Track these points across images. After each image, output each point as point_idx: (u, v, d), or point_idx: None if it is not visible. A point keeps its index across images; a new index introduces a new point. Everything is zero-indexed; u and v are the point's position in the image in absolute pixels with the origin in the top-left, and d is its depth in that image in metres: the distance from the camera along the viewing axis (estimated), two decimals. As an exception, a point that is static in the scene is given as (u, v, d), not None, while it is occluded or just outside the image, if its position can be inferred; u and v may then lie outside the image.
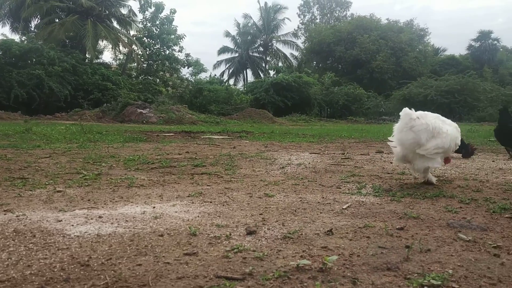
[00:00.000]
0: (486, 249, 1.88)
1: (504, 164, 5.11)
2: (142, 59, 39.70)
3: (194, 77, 44.61)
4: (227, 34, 51.52)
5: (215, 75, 49.65)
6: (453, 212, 2.52)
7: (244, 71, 52.78)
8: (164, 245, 1.89)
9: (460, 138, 3.60)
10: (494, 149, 7.67)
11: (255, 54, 52.56)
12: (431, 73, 40.55)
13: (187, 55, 42.60)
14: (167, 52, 40.31)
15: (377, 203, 2.78)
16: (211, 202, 2.80)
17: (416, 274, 1.59)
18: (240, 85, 50.49)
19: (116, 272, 1.58)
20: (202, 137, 11.78)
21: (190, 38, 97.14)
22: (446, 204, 2.74)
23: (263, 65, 51.86)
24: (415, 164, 3.37)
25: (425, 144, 3.28)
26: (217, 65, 52.26)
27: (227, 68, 52.52)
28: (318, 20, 55.98)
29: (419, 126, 3.28)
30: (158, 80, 40.61)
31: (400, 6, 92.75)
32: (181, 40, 40.72)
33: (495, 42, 46.26)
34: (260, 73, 50.62)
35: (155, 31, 37.89)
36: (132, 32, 36.81)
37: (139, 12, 36.72)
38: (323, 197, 2.97)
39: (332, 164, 4.87)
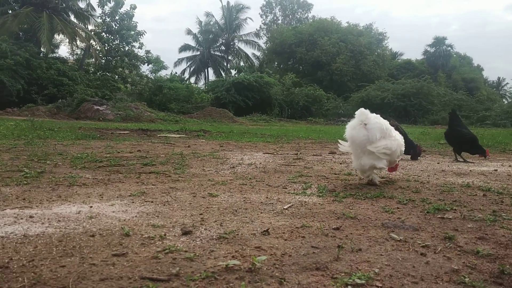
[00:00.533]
0: (414, 249, 1.94)
1: (448, 166, 5.30)
2: (101, 55, 38.77)
3: (154, 75, 43.97)
4: (189, 32, 51.12)
5: (176, 73, 49.10)
6: (390, 212, 2.58)
7: (206, 70, 52.49)
8: (94, 246, 1.84)
9: (403, 148, 3.72)
10: (442, 151, 7.95)
11: (217, 53, 52.38)
12: (388, 76, 41.67)
13: (147, 52, 41.95)
14: (127, 48, 39.53)
15: (319, 204, 2.81)
16: (152, 201, 2.75)
17: (343, 274, 1.61)
18: (201, 83, 50.23)
19: (36, 274, 1.52)
20: (158, 135, 11.61)
21: (151, 34, 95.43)
22: (385, 204, 2.81)
23: (225, 64, 51.75)
24: (362, 160, 3.45)
25: (376, 142, 3.40)
26: (178, 62, 51.74)
27: (188, 66, 52.07)
28: (280, 21, 56.42)
29: (374, 124, 3.42)
30: (116, 76, 39.72)
31: (360, 10, 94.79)
32: (141, 37, 40.04)
33: (449, 48, 48.09)
34: (222, 72, 50.47)
35: (114, 26, 37.06)
36: (90, 27, 35.87)
37: (98, 7, 35.81)
38: (267, 197, 2.98)
39: (283, 165, 4.90)
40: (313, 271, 1.64)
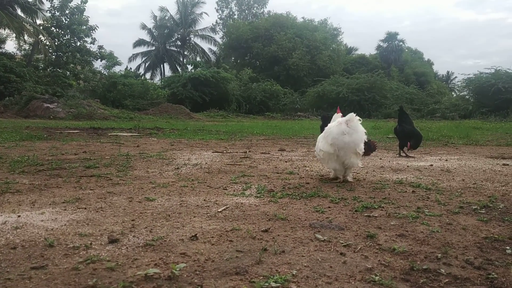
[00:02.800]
0: (336, 248, 2.02)
1: (389, 161, 5.51)
2: (50, 50, 37.43)
3: (107, 71, 42.92)
4: (144, 27, 50.24)
5: (131, 68, 48.21)
6: (321, 212, 2.67)
7: (161, 65, 51.78)
8: (13, 258, 1.81)
9: None
10: (388, 146, 8.23)
11: (173, 48, 51.76)
12: (343, 71, 42.50)
13: (100, 47, 40.88)
14: (78, 43, 38.39)
15: (255, 205, 2.87)
16: (85, 208, 2.72)
17: (261, 277, 1.66)
18: (157, 79, 49.52)
19: None
20: (109, 134, 11.38)
21: (105, 29, 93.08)
22: (318, 204, 2.90)
23: (181, 59, 51.22)
24: (351, 161, 3.64)
25: (360, 144, 3.63)
26: (132, 58, 50.79)
27: (143, 61, 51.20)
28: (236, 16, 56.31)
29: (360, 128, 3.64)
30: (68, 72, 38.47)
31: (316, 5, 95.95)
32: (94, 31, 39.00)
33: (401, 43, 49.59)
34: (178, 67, 49.94)
35: (64, 21, 35.88)
36: (38, 21, 34.53)
37: (47, 0, 34.55)
38: (205, 200, 3.01)
39: (228, 164, 4.94)
40: (232, 275, 1.68)
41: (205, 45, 50.93)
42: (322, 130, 6.62)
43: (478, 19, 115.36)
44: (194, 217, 2.52)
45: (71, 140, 8.72)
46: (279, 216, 2.53)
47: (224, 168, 4.60)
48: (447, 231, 2.34)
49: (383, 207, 2.81)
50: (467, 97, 32.99)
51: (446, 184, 3.67)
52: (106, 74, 42.48)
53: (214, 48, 51.59)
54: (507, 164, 5.01)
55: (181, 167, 4.67)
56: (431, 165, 4.96)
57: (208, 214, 2.59)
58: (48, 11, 35.02)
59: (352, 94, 33.76)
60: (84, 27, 37.59)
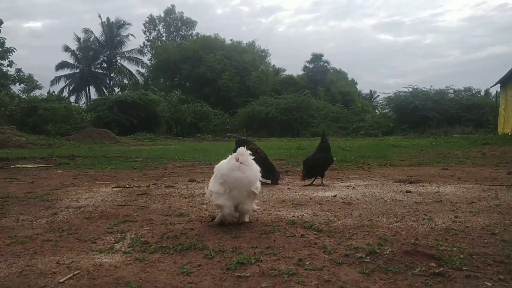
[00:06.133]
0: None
1: (295, 192, 5.28)
2: (-41, 73, 34.82)
3: (27, 95, 40.50)
4: (67, 49, 48.15)
5: (53, 92, 45.83)
6: (187, 274, 2.28)
7: (87, 88, 49.80)
8: None
9: None
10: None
11: (98, 70, 50.03)
12: (272, 91, 43.10)
13: (18, 70, 38.56)
14: (-6, 66, 35.98)
15: (114, 266, 2.44)
16: None
17: None
18: (82, 102, 47.44)
19: None
20: (12, 166, 10.42)
21: (26, 51, 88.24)
22: (189, 260, 2.52)
23: (107, 81, 49.60)
24: (246, 205, 3.27)
25: (256, 182, 3.26)
26: (55, 81, 48.40)
27: (67, 84, 48.98)
28: (164, 38, 55.67)
29: (253, 163, 3.29)
30: (-18, 96, 35.82)
31: (245, 28, 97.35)
32: (11, 54, 36.74)
33: (326, 64, 51.24)
34: (104, 90, 48.26)
35: (-24, 43, 33.57)
36: None
37: (-46, 21, 32.17)
38: (57, 263, 2.53)
39: (118, 205, 4.45)
40: None
41: (132, 67, 49.62)
42: (235, 155, 6.36)
43: (396, 41, 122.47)
44: (24, 293, 2.06)
45: (-41, 177, 7.79)
46: (131, 286, 2.12)
47: (110, 210, 4.12)
48: (322, 291, 2.06)
49: (261, 260, 2.48)
50: (388, 114, 34.49)
51: (342, 221, 3.44)
52: (26, 98, 40.09)
53: (142, 70, 50.51)
54: (410, 191, 4.93)
55: (61, 211, 4.13)
56: (335, 196, 4.77)
57: (45, 287, 2.13)
58: (-42, 33, 32.65)
59: (281, 114, 34.21)
60: (0, 49, 35.34)
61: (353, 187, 5.49)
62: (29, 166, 10.50)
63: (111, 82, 49.23)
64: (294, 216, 3.68)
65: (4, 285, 2.16)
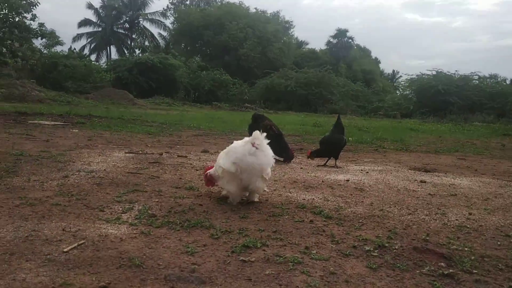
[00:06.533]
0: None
1: (307, 173, 5.22)
2: (-16, 25, 34.99)
3: (48, 50, 40.66)
4: (90, 6, 47.95)
5: (75, 49, 45.90)
6: (191, 253, 2.25)
7: (108, 48, 49.75)
8: None
9: None
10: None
11: (120, 31, 49.88)
12: (293, 64, 42.54)
13: (41, 24, 38.57)
14: (17, 19, 35.99)
15: (118, 239, 2.43)
16: None
17: None
18: (102, 61, 47.49)
19: None
20: (30, 121, 10.54)
21: (49, 5, 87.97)
22: (195, 239, 2.50)
23: (129, 42, 49.47)
24: (257, 186, 3.26)
25: (267, 169, 3.28)
26: (77, 38, 48.42)
27: (88, 42, 49.01)
28: (188, 2, 54.91)
29: (268, 149, 3.26)
30: (4, 49, 36.07)
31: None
32: (34, 7, 36.70)
33: (350, 40, 50.26)
34: (125, 51, 48.19)
35: (1, -6, 33.52)
36: (-28, -7, 32.09)
37: (-17, -29, 32.11)
38: (63, 230, 2.53)
39: (130, 172, 4.45)
40: None
41: (154, 30, 49.27)
42: (250, 130, 6.28)
43: (424, 22, 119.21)
44: (26, 261, 2.05)
45: (-23, 130, 7.90)
46: (135, 262, 2.10)
47: (120, 178, 4.11)
48: (327, 284, 2.02)
49: (267, 245, 2.45)
50: (409, 96, 33.85)
51: (352, 209, 3.38)
52: (47, 53, 40.28)
53: (164, 33, 50.13)
54: (424, 181, 4.83)
55: (73, 174, 4.14)
56: (348, 180, 4.69)
57: (49, 256, 2.12)
58: (-17, -17, 32.63)
59: (300, 88, 33.82)
60: (24, 2, 35.30)
61: (367, 172, 5.40)
62: (46, 123, 10.60)
63: (132, 44, 49.10)
64: (304, 199, 3.62)
65: (9, 250, 2.16)
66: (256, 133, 3.21)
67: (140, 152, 6.16)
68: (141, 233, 2.55)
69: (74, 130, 9.10)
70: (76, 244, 2.29)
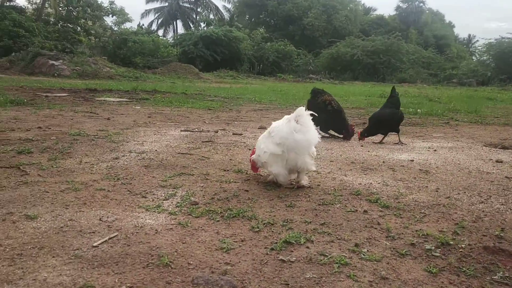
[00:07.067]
0: None
1: (368, 151, 4.86)
2: (61, 5, 36.76)
3: (118, 27, 42.08)
4: (157, -19, 48.68)
5: (143, 25, 47.15)
6: (226, 250, 2.07)
7: (174, 22, 50.57)
8: None
9: None
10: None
11: (186, 5, 50.37)
12: (360, 32, 40.94)
13: (111, 2, 39.98)
14: (89, -2, 37.53)
15: (154, 230, 2.29)
16: None
17: None
18: (169, 36, 48.43)
19: None
20: (97, 99, 10.87)
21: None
22: (234, 232, 2.31)
23: (194, 16, 49.88)
24: (305, 161, 3.04)
25: (312, 146, 3.10)
26: (145, 14, 49.69)
27: (156, 18, 50.08)
28: (252, -29, 54.12)
29: (312, 127, 3.03)
30: (78, 28, 37.78)
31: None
32: (105, -14, 38.06)
33: (421, 4, 47.32)
34: (191, 24, 48.71)
35: (73, -27, 34.96)
36: (48, -26, 33.70)
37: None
38: (100, 219, 2.44)
39: (180, 152, 4.35)
40: None
41: (219, 2, 49.57)
42: (309, 105, 5.97)
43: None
44: (53, 257, 1.96)
45: (47, 107, 8.23)
46: (163, 261, 1.94)
47: (170, 159, 4.01)
48: (376, 293, 1.75)
49: (312, 241, 2.20)
50: (487, 62, 31.42)
51: (414, 196, 3.03)
52: (117, 30, 41.72)
53: (228, 6, 49.98)
54: (501, 161, 4.30)
55: (124, 155, 4.10)
56: (412, 160, 4.28)
57: (77, 252, 2.02)
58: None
59: (367, 57, 32.55)
60: (95, -19, 36.64)
61: (435, 150, 4.94)
62: (111, 99, 10.89)
63: (198, 17, 49.48)
64: (360, 184, 3.31)
65: (40, 244, 2.09)
66: (300, 109, 2.96)
67: (196, 130, 6.08)
68: (178, 224, 2.40)
69: (136, 107, 9.24)
70: (107, 238, 2.17)
